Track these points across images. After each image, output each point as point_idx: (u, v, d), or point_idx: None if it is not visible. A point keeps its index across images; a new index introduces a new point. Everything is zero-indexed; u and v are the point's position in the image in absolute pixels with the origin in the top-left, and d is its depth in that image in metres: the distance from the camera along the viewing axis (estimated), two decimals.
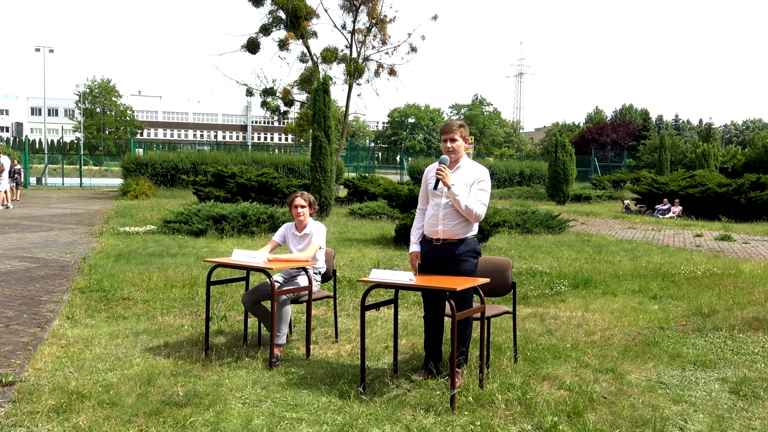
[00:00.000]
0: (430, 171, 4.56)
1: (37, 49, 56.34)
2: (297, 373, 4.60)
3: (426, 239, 4.56)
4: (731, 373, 4.73)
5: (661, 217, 20.56)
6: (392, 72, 25.61)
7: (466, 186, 4.41)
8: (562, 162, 26.18)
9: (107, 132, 79.12)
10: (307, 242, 5.31)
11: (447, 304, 4.51)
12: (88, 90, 79.67)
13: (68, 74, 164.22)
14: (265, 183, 18.97)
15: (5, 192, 18.88)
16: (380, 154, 71.66)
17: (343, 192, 24.36)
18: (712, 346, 5.43)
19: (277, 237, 5.44)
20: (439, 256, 4.46)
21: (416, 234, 4.68)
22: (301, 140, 40.42)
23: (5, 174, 19.16)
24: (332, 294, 5.64)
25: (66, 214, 17.31)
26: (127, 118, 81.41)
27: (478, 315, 4.38)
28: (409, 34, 25.34)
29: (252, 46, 25.22)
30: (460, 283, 4.07)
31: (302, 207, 5.32)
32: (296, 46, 26.61)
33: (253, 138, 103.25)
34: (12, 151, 31.13)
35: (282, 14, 24.54)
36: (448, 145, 4.45)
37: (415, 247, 4.64)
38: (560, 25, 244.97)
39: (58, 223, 14.86)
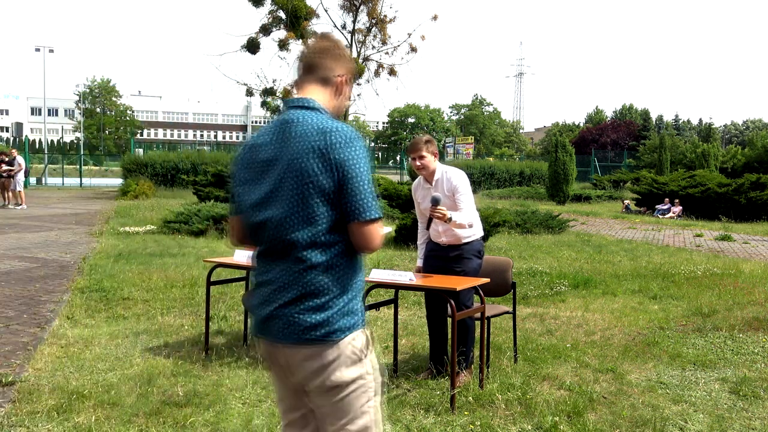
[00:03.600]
0: (417, 189, 4.65)
1: (37, 49, 56.30)
2: None
3: (431, 240, 4.65)
4: (731, 373, 4.73)
5: (661, 217, 20.56)
6: (392, 72, 25.57)
7: (447, 197, 4.41)
8: (562, 162, 26.16)
9: (107, 132, 79.12)
10: None
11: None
12: (88, 90, 79.66)
13: (68, 74, 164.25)
14: None
15: (20, 192, 19.13)
16: (380, 154, 71.67)
17: None
18: (712, 346, 5.43)
19: None
20: (442, 255, 4.53)
21: (422, 249, 4.76)
22: None
23: (21, 174, 19.66)
24: None
25: (66, 214, 17.31)
26: (127, 118, 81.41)
27: (478, 315, 4.38)
28: (409, 34, 25.28)
29: (252, 46, 25.19)
30: (460, 283, 4.07)
31: None
32: (296, 46, 26.56)
33: None
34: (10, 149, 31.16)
35: (282, 14, 24.52)
36: (417, 162, 4.46)
37: (420, 262, 4.74)
38: (560, 25, 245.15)
39: (58, 223, 14.85)
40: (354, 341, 1.96)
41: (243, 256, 4.91)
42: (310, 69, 2.04)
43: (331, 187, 1.88)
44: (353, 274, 2.00)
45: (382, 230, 2.02)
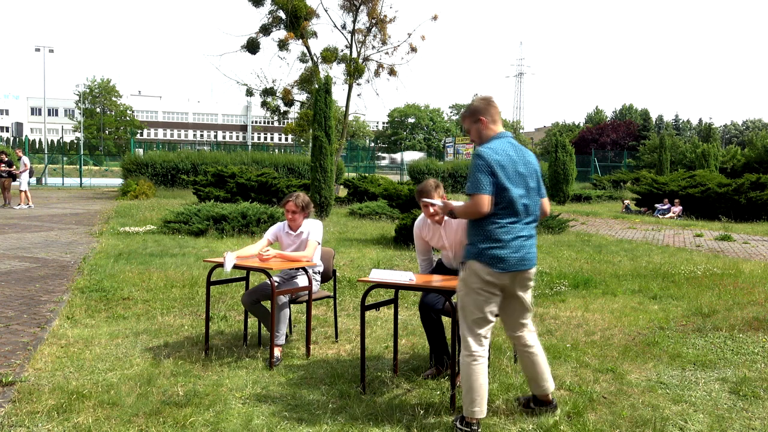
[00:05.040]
0: (423, 229, 4.51)
1: (37, 49, 56.32)
2: (297, 373, 4.60)
3: (443, 265, 4.72)
4: (731, 373, 4.73)
5: (661, 217, 20.56)
6: (392, 72, 25.59)
7: (462, 229, 4.31)
8: (562, 162, 26.17)
9: (107, 132, 79.09)
10: (301, 241, 5.27)
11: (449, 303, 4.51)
12: (88, 90, 79.62)
13: (68, 74, 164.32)
14: (265, 183, 18.97)
15: (26, 191, 19.27)
16: (380, 154, 71.64)
17: (343, 192, 24.36)
18: (712, 346, 5.43)
19: (269, 235, 5.36)
20: (455, 271, 4.51)
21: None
22: (301, 140, 40.43)
23: (26, 174, 19.79)
24: (332, 294, 5.64)
25: (66, 214, 17.31)
26: (127, 118, 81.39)
27: None
28: (409, 34, 25.33)
29: (252, 46, 25.21)
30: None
31: (293, 212, 5.23)
32: (296, 46, 26.62)
33: (253, 138, 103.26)
34: (12, 151, 31.23)
35: (282, 14, 24.54)
36: (430, 210, 4.34)
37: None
38: (560, 25, 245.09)
39: (58, 223, 14.86)
40: None
41: (232, 260, 4.82)
42: (499, 116, 3.74)
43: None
44: None
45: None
